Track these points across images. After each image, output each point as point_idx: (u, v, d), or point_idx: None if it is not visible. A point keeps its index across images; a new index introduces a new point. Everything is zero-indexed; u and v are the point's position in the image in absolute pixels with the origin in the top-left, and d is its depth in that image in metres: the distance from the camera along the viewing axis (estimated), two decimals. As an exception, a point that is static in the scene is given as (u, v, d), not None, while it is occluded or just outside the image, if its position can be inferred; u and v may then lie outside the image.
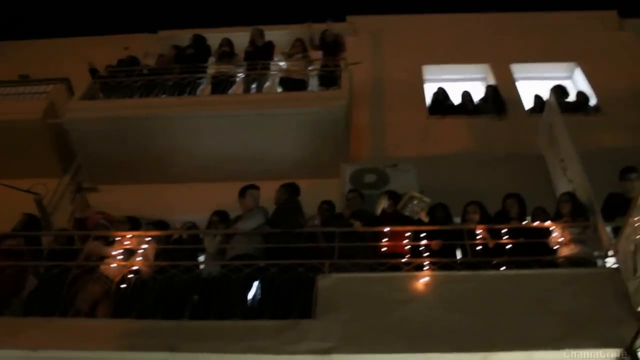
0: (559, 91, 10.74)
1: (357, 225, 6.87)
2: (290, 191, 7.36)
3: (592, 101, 11.03)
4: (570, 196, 6.98)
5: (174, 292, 6.36)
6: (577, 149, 7.44)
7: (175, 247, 7.40)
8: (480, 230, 6.63)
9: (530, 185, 8.23)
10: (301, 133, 9.57)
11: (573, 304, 5.56)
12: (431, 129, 10.33)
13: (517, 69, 11.61)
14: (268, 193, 7.58)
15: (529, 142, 9.26)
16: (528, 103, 10.93)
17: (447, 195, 7.88)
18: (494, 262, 6.20)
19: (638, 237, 5.26)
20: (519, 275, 5.89)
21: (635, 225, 5.31)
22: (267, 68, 10.48)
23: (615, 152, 9.26)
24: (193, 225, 8.00)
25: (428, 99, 11.15)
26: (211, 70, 10.74)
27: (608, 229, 6.44)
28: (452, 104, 11.01)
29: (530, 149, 9.15)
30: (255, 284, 6.50)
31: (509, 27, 12.46)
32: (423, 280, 5.87)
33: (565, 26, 12.51)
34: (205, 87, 10.69)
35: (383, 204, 7.50)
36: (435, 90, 11.25)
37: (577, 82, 11.74)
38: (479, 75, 11.82)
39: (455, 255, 6.77)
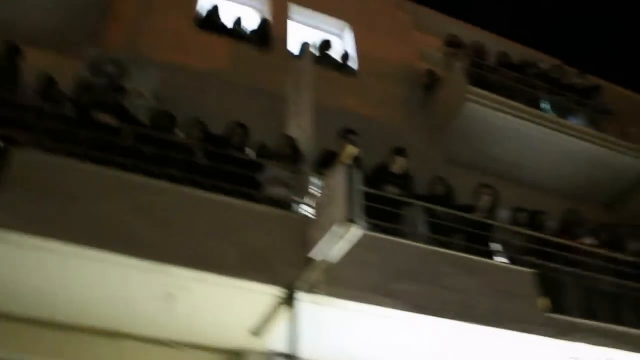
0: (324, 45, 11.03)
1: (69, 109, 6.39)
2: (9, 52, 6.61)
3: (352, 65, 11.46)
4: (289, 140, 7.13)
5: None
6: (318, 101, 7.61)
7: None
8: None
9: (265, 120, 8.28)
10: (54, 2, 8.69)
11: (257, 238, 5.70)
12: (193, 41, 10.00)
13: (294, 11, 11.66)
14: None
15: (280, 82, 9.30)
16: (294, 46, 10.99)
17: (182, 109, 7.65)
18: (200, 181, 6.09)
19: (331, 192, 5.48)
20: (216, 200, 5.85)
21: (332, 181, 5.52)
22: None
23: (355, 116, 9.75)
24: None
25: (200, 10, 10.77)
26: None
27: (316, 180, 6.66)
28: (222, 24, 10.74)
29: (279, 89, 9.20)
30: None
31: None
32: (122, 180, 5.62)
33: (350, -14, 12.74)
34: None
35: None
36: (210, 5, 10.89)
37: (345, 42, 12.11)
38: (256, 4, 11.67)
39: (167, 166, 6.53)
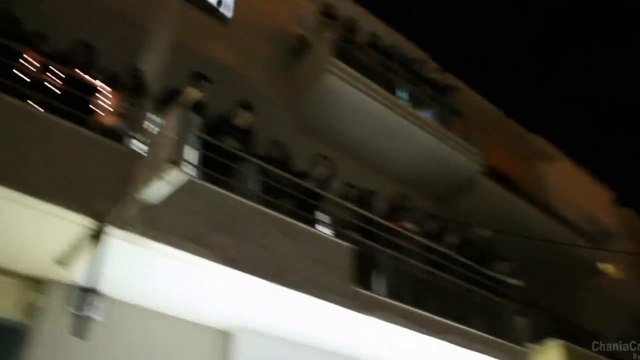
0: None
1: None
2: None
3: (227, 12, 11.21)
4: (136, 71, 6.86)
5: None
6: (181, 41, 7.38)
7: None
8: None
9: (121, 48, 7.91)
10: None
11: (77, 165, 5.42)
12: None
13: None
14: None
15: (146, 11, 8.85)
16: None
17: (34, 19, 7.12)
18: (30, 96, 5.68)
19: (164, 132, 5.33)
20: (40, 116, 5.46)
21: (167, 122, 5.37)
22: None
23: (217, 63, 9.59)
24: None
25: None
26: None
27: (154, 118, 6.40)
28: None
29: (143, 18, 8.78)
30: None
31: None
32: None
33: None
34: None
35: None
36: None
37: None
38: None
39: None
